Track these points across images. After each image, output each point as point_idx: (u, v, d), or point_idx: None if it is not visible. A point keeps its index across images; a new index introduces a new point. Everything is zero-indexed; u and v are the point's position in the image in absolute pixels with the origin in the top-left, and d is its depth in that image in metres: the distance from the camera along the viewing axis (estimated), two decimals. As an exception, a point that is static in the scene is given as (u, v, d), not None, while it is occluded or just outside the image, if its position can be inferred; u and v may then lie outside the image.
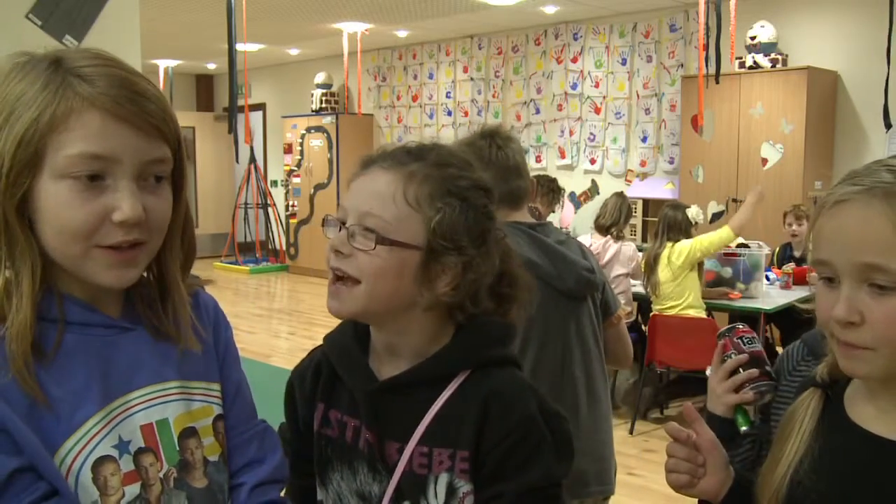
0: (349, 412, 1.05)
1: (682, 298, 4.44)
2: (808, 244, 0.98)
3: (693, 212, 4.57)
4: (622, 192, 5.29)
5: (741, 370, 1.21)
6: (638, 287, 4.91)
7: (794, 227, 5.39)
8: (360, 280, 0.98)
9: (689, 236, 4.48)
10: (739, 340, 1.26)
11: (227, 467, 1.00)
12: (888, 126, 3.32)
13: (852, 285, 0.90)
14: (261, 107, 11.85)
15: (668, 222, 4.49)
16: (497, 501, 0.97)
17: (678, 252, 4.40)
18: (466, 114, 9.17)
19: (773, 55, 6.50)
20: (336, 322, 1.10)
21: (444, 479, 0.98)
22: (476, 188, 1.02)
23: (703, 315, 4.48)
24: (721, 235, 4.40)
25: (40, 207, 0.86)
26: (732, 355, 1.24)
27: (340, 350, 1.08)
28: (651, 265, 4.47)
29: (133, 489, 0.90)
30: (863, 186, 0.91)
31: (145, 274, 0.98)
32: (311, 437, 1.10)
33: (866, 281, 0.89)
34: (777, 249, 5.56)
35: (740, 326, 1.28)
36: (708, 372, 1.25)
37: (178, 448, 0.95)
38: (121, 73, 0.88)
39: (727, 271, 4.76)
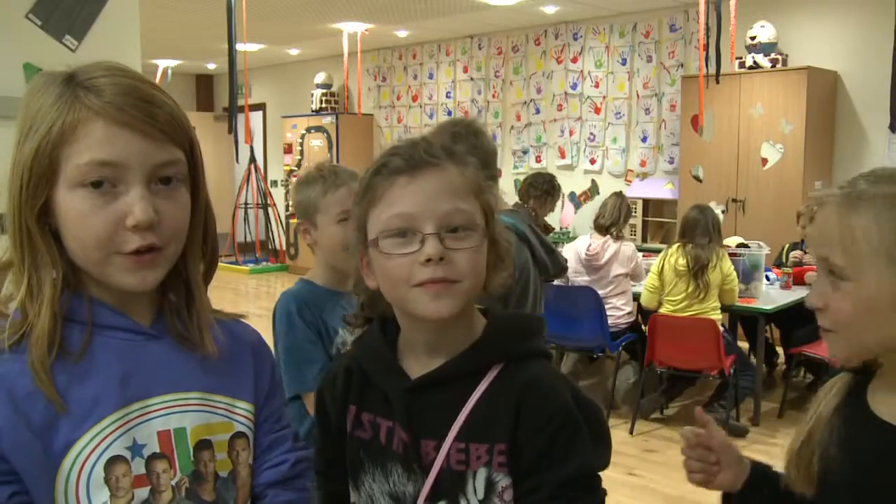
0: (382, 414, 1.05)
1: (715, 300, 4.47)
2: None
3: (718, 211, 4.65)
4: (621, 192, 5.28)
5: None
6: (637, 287, 4.91)
7: (809, 229, 5.34)
8: (460, 280, 0.97)
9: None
10: None
11: (235, 485, 1.00)
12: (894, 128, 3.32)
13: None
14: (261, 107, 11.85)
15: (713, 223, 4.48)
16: (536, 493, 0.97)
17: (723, 259, 4.45)
18: (467, 114, 9.15)
19: (773, 55, 6.50)
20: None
21: (482, 473, 0.98)
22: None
23: (718, 315, 4.49)
24: (734, 294, 4.53)
25: (61, 217, 0.89)
26: None
27: (371, 352, 1.07)
28: (703, 267, 4.41)
29: (142, 493, 0.91)
30: None
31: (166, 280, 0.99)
32: (343, 442, 1.10)
33: None
34: (787, 246, 5.54)
35: None
36: None
37: (192, 458, 0.95)
38: (129, 82, 0.90)
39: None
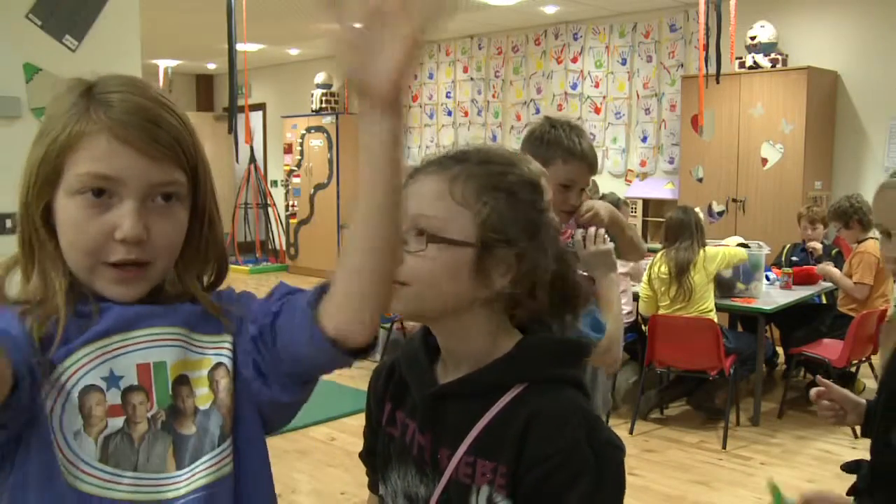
0: (411, 415, 1.07)
1: (706, 302, 4.45)
2: None
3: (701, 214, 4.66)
4: (613, 193, 5.30)
5: None
6: (637, 287, 4.91)
7: (809, 231, 5.37)
8: (408, 283, 0.97)
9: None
10: None
11: (219, 412, 1.01)
12: None
13: None
14: (261, 107, 11.86)
15: (697, 225, 4.49)
16: None
17: (710, 257, 4.45)
18: (466, 114, 9.17)
19: (773, 55, 6.50)
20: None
21: (485, 491, 0.98)
22: (523, 183, 1.03)
23: (715, 317, 4.48)
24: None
25: (58, 221, 0.94)
26: None
27: (409, 354, 1.10)
28: (684, 270, 4.43)
29: (116, 422, 0.93)
30: None
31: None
32: (379, 434, 1.14)
33: None
34: (787, 246, 5.54)
35: None
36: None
37: (171, 392, 0.97)
38: (139, 101, 0.94)
39: (728, 272, 4.76)
